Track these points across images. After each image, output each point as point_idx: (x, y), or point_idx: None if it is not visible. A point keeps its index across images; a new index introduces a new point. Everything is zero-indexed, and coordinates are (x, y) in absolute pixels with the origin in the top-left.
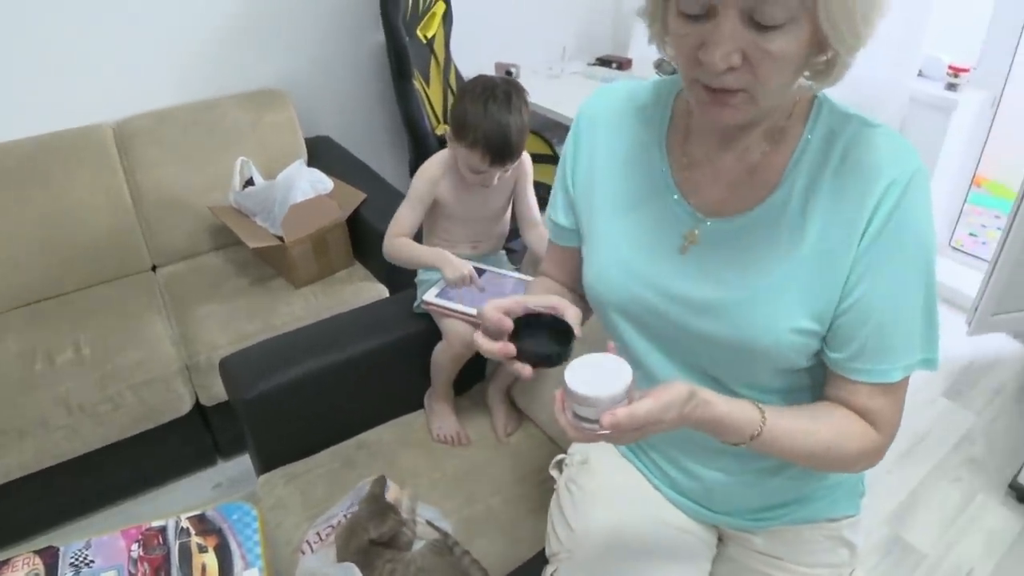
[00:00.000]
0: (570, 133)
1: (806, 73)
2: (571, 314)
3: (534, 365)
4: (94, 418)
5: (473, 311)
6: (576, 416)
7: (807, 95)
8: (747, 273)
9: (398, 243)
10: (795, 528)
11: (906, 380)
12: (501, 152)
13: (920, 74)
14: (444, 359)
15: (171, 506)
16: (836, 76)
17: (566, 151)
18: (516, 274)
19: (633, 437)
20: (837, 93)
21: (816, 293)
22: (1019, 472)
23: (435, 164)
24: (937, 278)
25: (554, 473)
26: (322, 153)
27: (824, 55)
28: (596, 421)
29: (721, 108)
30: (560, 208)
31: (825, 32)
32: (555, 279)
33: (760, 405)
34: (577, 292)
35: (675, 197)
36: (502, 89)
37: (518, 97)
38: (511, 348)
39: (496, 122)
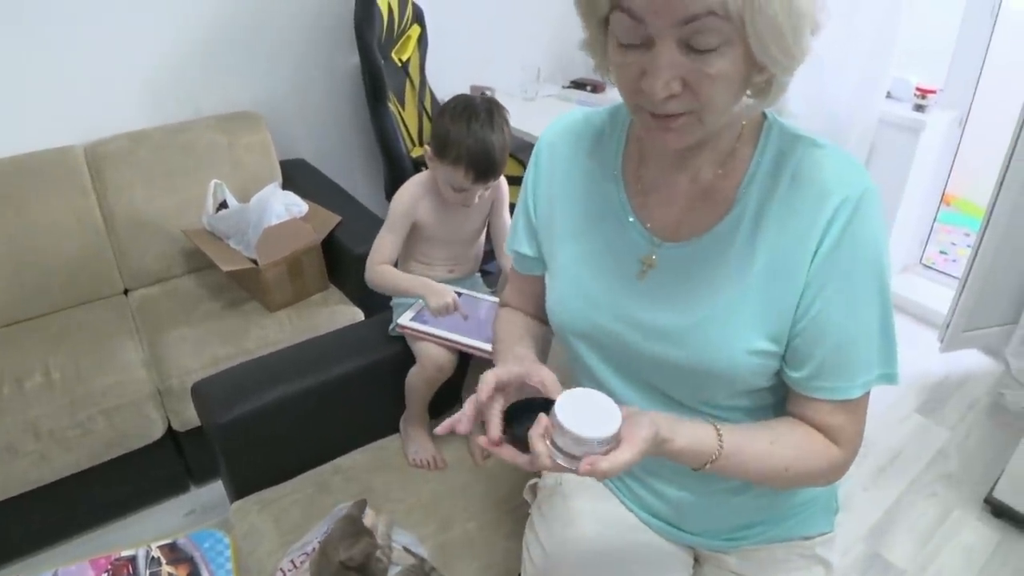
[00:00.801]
0: (531, 161)
1: (748, 91)
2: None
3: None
4: (63, 444)
5: (449, 335)
6: (555, 445)
7: (756, 117)
8: (701, 297)
9: (380, 271)
10: (768, 547)
11: (866, 396)
12: (484, 169)
13: (889, 95)
14: (418, 382)
15: (142, 534)
16: (775, 94)
17: (527, 180)
18: (491, 297)
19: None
20: (807, 115)
21: (771, 314)
22: (994, 487)
23: (413, 187)
24: (909, 295)
25: (528, 497)
26: (297, 175)
27: (763, 74)
28: (576, 458)
29: (666, 132)
30: (523, 237)
31: (756, 53)
32: (520, 309)
33: (719, 428)
34: (541, 319)
35: (631, 221)
36: (483, 107)
37: (499, 115)
38: (504, 449)
39: (479, 139)
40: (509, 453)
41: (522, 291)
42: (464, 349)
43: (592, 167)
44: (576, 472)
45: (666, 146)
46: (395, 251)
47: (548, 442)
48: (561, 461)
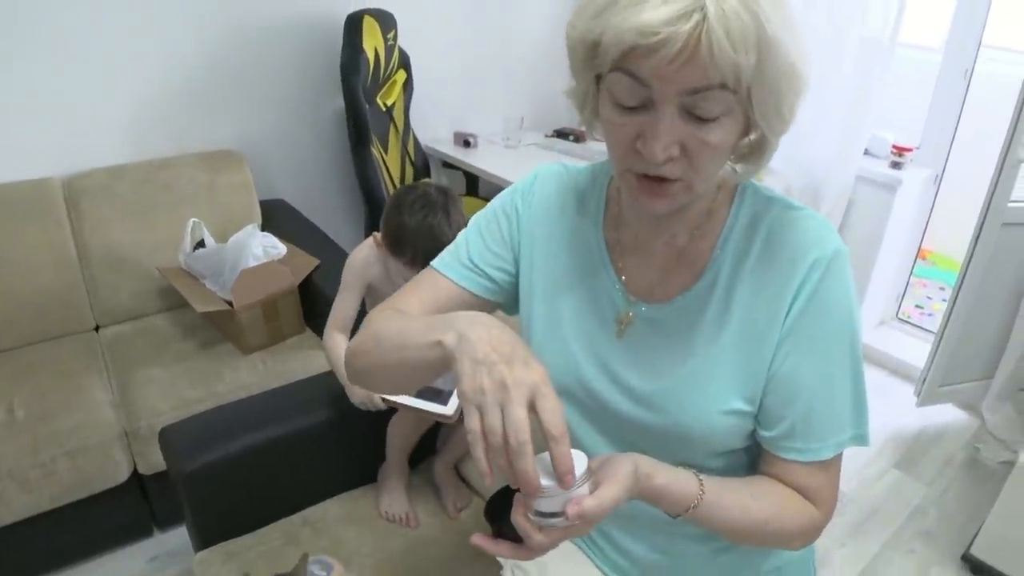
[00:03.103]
0: (515, 195)
1: (732, 156)
2: None
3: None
4: (24, 485)
5: (408, 401)
6: (539, 514)
7: (731, 180)
8: (676, 360)
9: (330, 345)
10: None
11: (839, 457)
12: None
13: (866, 152)
14: (399, 430)
15: None
16: (765, 160)
17: (510, 218)
18: None
19: (595, 524)
20: (787, 172)
21: (745, 374)
22: (972, 543)
23: (365, 250)
24: (885, 349)
25: (501, 559)
26: (277, 216)
27: (747, 137)
28: (560, 514)
29: (654, 197)
30: (488, 255)
31: (756, 120)
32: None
33: (701, 477)
34: None
35: (610, 278)
36: (439, 201)
37: (455, 209)
38: (502, 546)
39: (436, 239)
40: (507, 549)
41: (430, 301)
42: (425, 414)
43: (575, 226)
44: (567, 522)
45: (651, 210)
46: (352, 312)
47: (532, 515)
48: (551, 523)
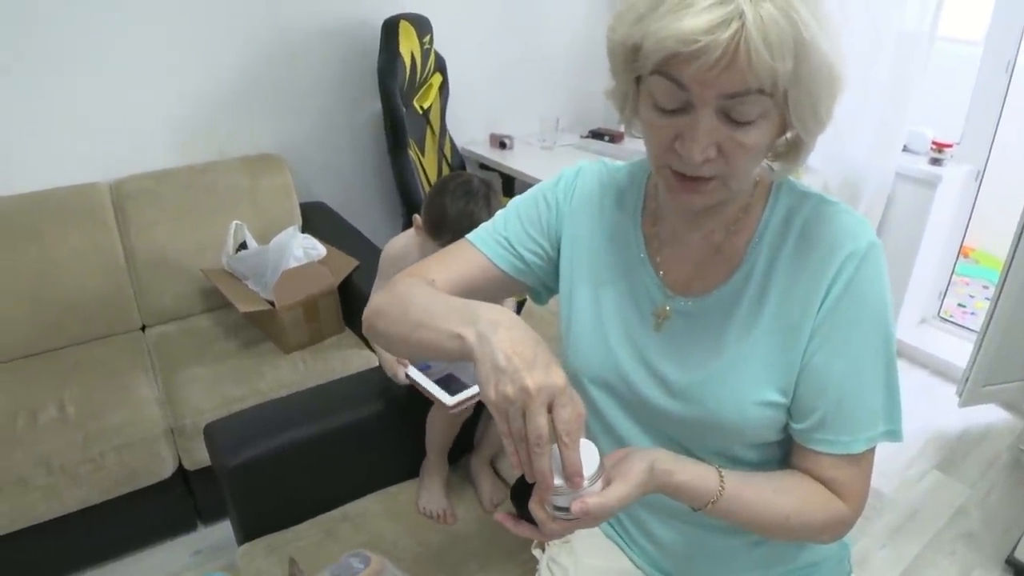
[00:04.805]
0: (558, 185)
1: (768, 155)
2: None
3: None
4: (74, 479)
5: (443, 396)
6: (553, 507)
7: (767, 177)
8: (711, 352)
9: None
10: None
11: (871, 452)
12: None
13: (905, 149)
14: (437, 424)
15: (148, 572)
16: (802, 159)
17: (551, 207)
18: None
19: (604, 519)
20: (825, 170)
21: (779, 366)
22: (1016, 546)
23: (398, 246)
24: (927, 349)
25: (536, 553)
26: (316, 219)
27: (784, 137)
28: (570, 509)
29: (692, 194)
30: (523, 237)
31: (792, 122)
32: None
33: (722, 472)
34: None
35: (649, 273)
36: (480, 190)
37: (495, 197)
38: (522, 527)
39: (475, 224)
40: (527, 530)
41: (459, 271)
42: (429, 396)
43: (615, 220)
44: (576, 522)
45: (688, 206)
46: None
47: (548, 506)
48: (563, 516)
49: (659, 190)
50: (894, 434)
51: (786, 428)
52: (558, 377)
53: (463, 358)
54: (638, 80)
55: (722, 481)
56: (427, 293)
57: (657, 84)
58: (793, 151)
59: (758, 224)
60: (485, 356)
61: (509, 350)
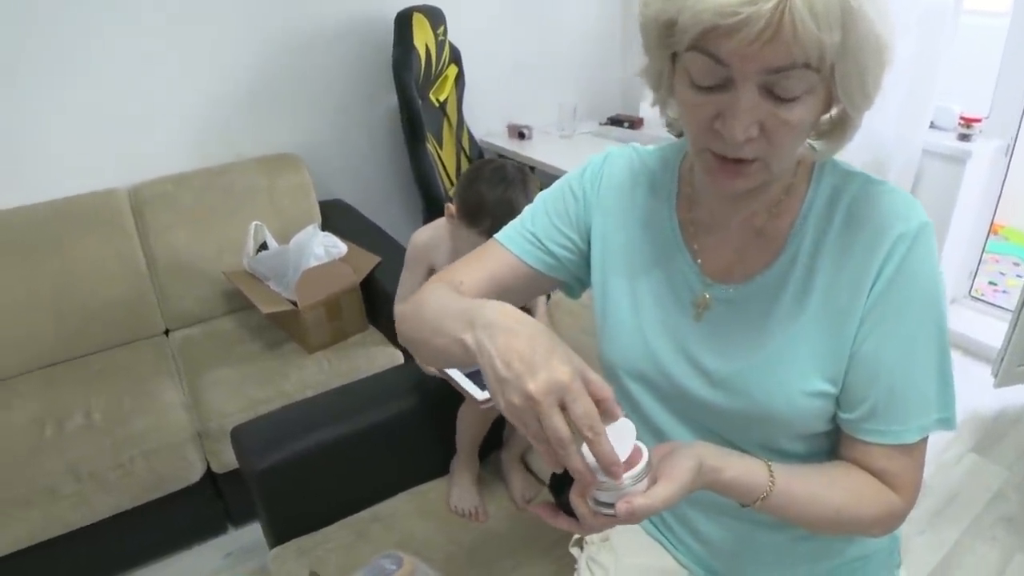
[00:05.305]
0: (585, 175)
1: (812, 133)
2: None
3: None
4: (103, 486)
5: (474, 391)
6: (596, 502)
7: (810, 156)
8: (755, 341)
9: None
10: None
11: (924, 441)
12: None
13: (932, 125)
14: (465, 423)
15: None
16: (848, 137)
17: (578, 198)
18: None
19: (648, 517)
20: (851, 148)
21: (827, 353)
22: None
23: (425, 236)
24: (959, 329)
25: (574, 552)
26: (336, 216)
27: (828, 114)
28: (613, 505)
29: (734, 177)
30: (552, 231)
31: (839, 97)
32: (472, 297)
33: (772, 467)
34: None
35: (686, 260)
36: (516, 176)
37: (532, 181)
38: (560, 519)
39: (514, 210)
40: (564, 522)
41: (488, 272)
42: (461, 391)
43: (649, 207)
44: (618, 519)
45: (729, 190)
46: (417, 287)
47: (591, 500)
48: (606, 512)
49: (695, 173)
50: (947, 422)
51: (834, 419)
52: (561, 372)
53: (474, 362)
54: (673, 57)
55: (772, 476)
56: (442, 297)
57: (694, 60)
58: (839, 129)
59: (801, 205)
60: (486, 366)
61: (507, 354)
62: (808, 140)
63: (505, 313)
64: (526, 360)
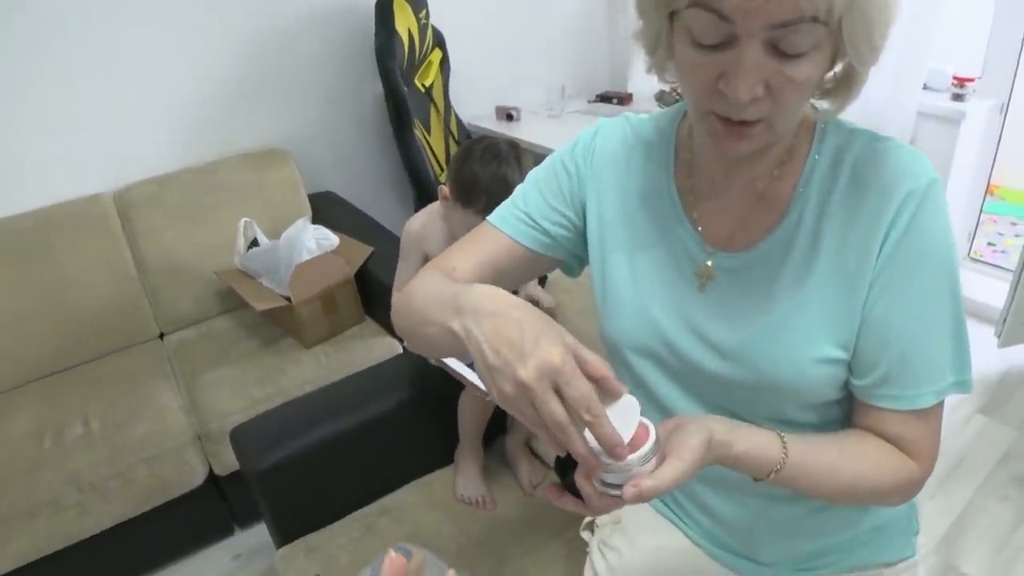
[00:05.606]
0: (576, 150)
1: (816, 93)
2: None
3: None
4: (105, 495)
5: (474, 379)
6: (602, 483)
7: (811, 116)
8: (762, 309)
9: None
10: None
11: (940, 405)
12: None
13: (925, 87)
14: (468, 407)
15: None
16: (854, 94)
17: (571, 174)
18: None
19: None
20: (845, 113)
21: (837, 319)
22: None
23: (419, 222)
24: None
25: (585, 535)
26: (326, 209)
27: (831, 71)
28: (620, 486)
29: (738, 140)
30: (546, 209)
31: (847, 52)
32: (466, 283)
33: (784, 438)
34: None
35: (687, 230)
36: (509, 152)
37: (526, 160)
38: (566, 499)
39: (509, 187)
40: (571, 503)
41: (482, 256)
42: (464, 381)
43: (645, 178)
44: (626, 501)
45: (733, 153)
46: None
47: (597, 482)
48: (613, 493)
49: (694, 139)
50: (964, 384)
51: (847, 385)
52: (552, 355)
53: (465, 350)
54: (671, 16)
55: (785, 448)
56: (431, 284)
57: (696, 17)
58: (844, 86)
59: (804, 166)
60: (475, 354)
61: (495, 341)
62: (812, 101)
63: (491, 297)
64: (515, 345)
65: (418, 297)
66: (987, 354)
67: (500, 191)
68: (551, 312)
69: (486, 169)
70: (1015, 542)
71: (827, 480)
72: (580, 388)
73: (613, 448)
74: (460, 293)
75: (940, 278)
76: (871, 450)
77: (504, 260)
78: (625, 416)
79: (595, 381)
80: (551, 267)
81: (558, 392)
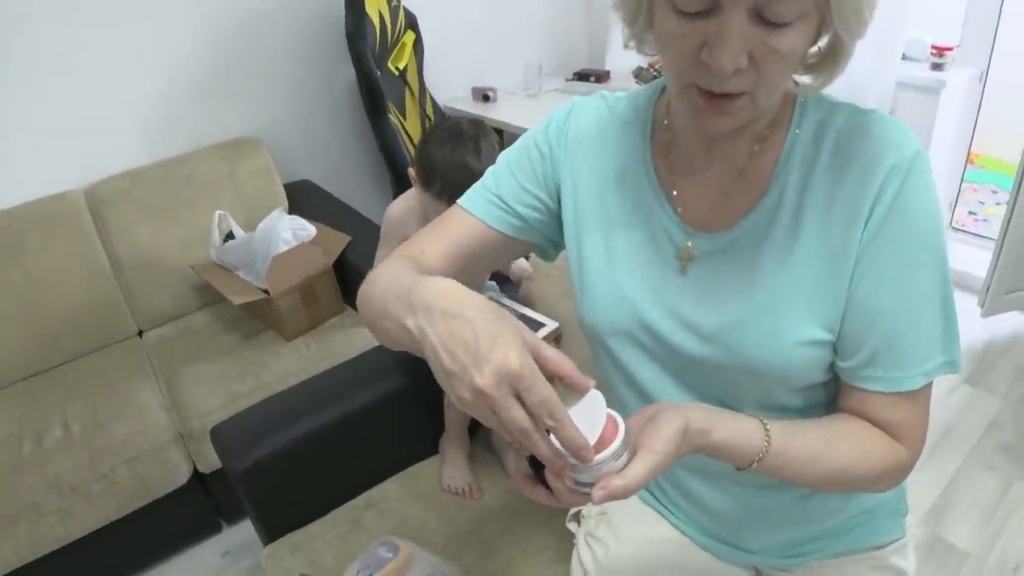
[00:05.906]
0: (550, 129)
1: (799, 68)
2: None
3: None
4: (88, 498)
5: None
6: (575, 482)
7: (792, 90)
8: (744, 290)
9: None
10: (836, 561)
11: (928, 387)
12: None
13: (904, 57)
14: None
15: None
16: (841, 67)
17: (544, 154)
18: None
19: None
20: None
21: (822, 299)
22: None
23: (399, 209)
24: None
25: (571, 527)
26: (303, 198)
27: (816, 45)
28: (592, 484)
29: (719, 116)
30: (518, 191)
31: (835, 22)
32: (435, 268)
33: (768, 426)
34: None
35: (665, 210)
36: (470, 135)
37: (486, 142)
38: (538, 491)
39: (466, 171)
40: (543, 495)
41: (452, 241)
42: None
43: (622, 157)
44: (596, 503)
45: (715, 129)
46: None
47: (568, 480)
48: (584, 491)
49: (673, 116)
50: (952, 364)
51: (831, 368)
52: (509, 359)
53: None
54: None
55: (768, 435)
56: (390, 275)
57: None
58: (829, 60)
59: (785, 140)
60: (430, 357)
61: (449, 343)
62: (795, 76)
63: (444, 294)
64: (470, 349)
65: (378, 288)
66: (971, 324)
67: (455, 175)
68: (526, 275)
69: (440, 151)
70: (1001, 511)
71: (812, 468)
72: (540, 392)
73: (578, 451)
74: (413, 288)
75: (927, 254)
76: (858, 436)
77: (475, 244)
78: (591, 413)
79: (559, 378)
80: (525, 251)
81: (519, 397)
